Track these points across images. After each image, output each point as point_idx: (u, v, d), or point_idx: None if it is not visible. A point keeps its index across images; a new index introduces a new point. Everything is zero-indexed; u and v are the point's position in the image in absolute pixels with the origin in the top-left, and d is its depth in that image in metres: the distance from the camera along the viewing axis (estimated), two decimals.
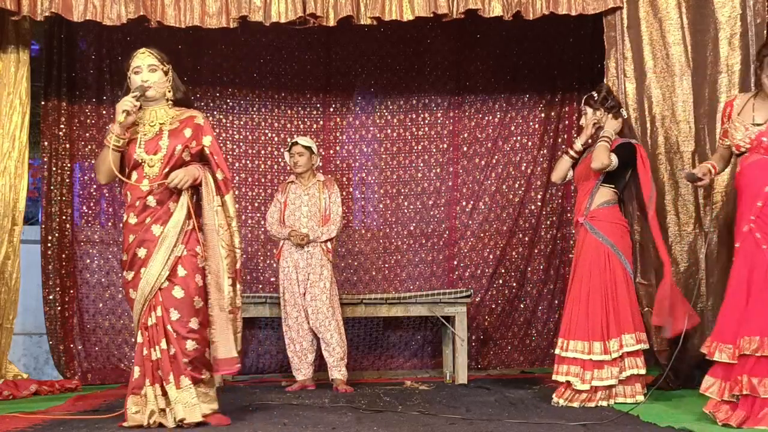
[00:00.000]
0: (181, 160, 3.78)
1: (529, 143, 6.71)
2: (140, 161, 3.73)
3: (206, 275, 3.78)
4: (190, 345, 3.66)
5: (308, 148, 5.52)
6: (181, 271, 3.70)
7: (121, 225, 6.15)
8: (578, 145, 4.70)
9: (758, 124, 3.73)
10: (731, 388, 3.54)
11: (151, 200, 3.72)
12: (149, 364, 3.65)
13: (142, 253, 3.69)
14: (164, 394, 3.65)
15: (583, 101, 4.69)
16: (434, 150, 6.79)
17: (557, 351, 4.43)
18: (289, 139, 6.09)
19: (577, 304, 4.42)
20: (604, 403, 4.28)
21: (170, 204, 3.74)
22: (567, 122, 6.70)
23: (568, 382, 4.34)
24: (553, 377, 4.42)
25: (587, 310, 4.37)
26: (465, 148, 6.78)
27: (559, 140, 6.69)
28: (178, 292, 3.68)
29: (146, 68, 3.77)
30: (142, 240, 3.69)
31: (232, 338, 3.79)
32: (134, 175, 3.74)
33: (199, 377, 3.70)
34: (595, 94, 4.60)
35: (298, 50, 6.72)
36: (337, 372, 5.37)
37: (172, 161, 3.74)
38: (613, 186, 4.51)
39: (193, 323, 3.68)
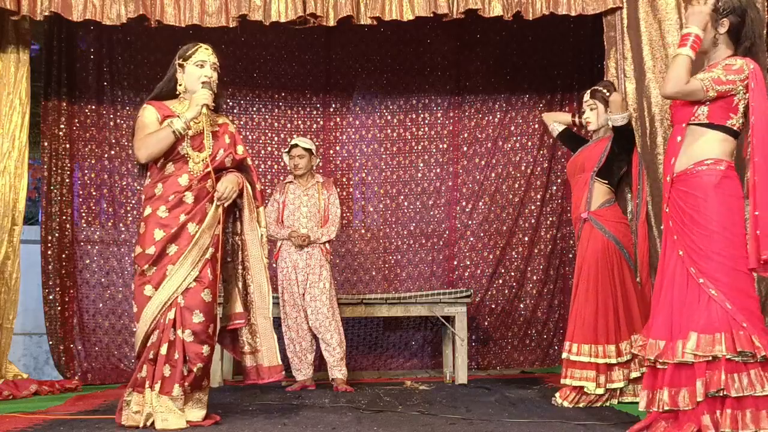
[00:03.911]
0: (223, 165, 3.78)
1: (529, 143, 6.71)
2: (186, 156, 3.69)
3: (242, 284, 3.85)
4: (206, 350, 3.64)
5: (308, 150, 5.52)
6: (210, 274, 3.66)
7: (121, 225, 6.27)
8: (578, 120, 4.79)
9: None
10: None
11: (189, 196, 3.67)
12: (152, 366, 3.62)
13: (172, 250, 3.63)
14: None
15: (589, 94, 4.60)
16: (434, 150, 6.79)
17: (565, 355, 4.37)
18: (289, 140, 6.09)
19: (584, 305, 4.36)
20: (608, 404, 4.28)
21: (206, 203, 3.70)
22: None
23: (580, 386, 4.29)
24: (564, 381, 4.36)
25: (596, 312, 4.32)
26: (465, 148, 6.78)
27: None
28: (207, 296, 3.64)
29: (210, 65, 3.76)
30: (175, 236, 3.62)
31: (276, 346, 3.85)
32: (171, 168, 3.69)
33: (201, 384, 3.69)
34: (605, 91, 4.52)
35: (298, 50, 6.73)
36: (338, 372, 5.37)
37: (215, 163, 3.73)
38: (606, 182, 4.51)
39: (210, 329, 3.67)
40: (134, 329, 3.73)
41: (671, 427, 3.15)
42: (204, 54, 3.77)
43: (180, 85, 3.79)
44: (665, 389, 3.14)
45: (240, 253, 3.88)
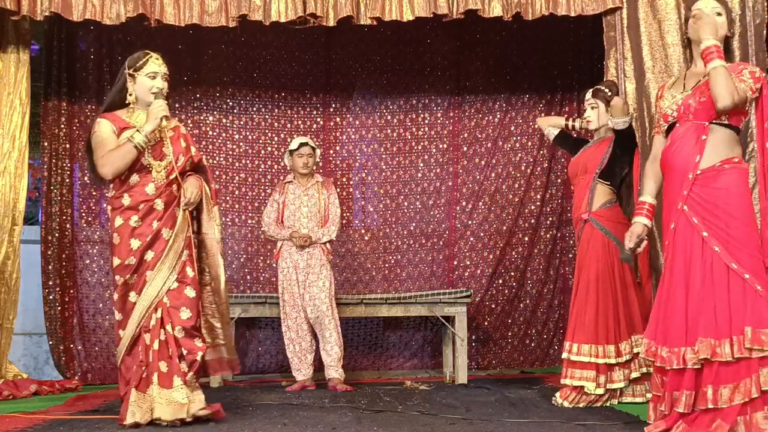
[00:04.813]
0: (184, 169, 3.83)
1: (529, 143, 6.71)
2: (149, 166, 3.73)
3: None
4: (199, 342, 3.71)
5: (314, 149, 5.55)
6: (190, 272, 3.75)
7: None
8: (577, 123, 4.80)
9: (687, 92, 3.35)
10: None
11: (159, 203, 3.72)
12: (143, 367, 3.67)
13: (149, 256, 3.69)
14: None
15: (591, 93, 4.61)
16: (434, 150, 6.79)
17: (566, 355, 4.36)
18: (289, 140, 6.09)
19: (584, 306, 4.36)
20: (608, 404, 4.27)
21: (175, 208, 3.77)
22: None
23: (580, 386, 4.29)
24: (564, 381, 4.35)
25: (596, 312, 4.32)
26: (465, 148, 6.78)
27: None
28: (190, 292, 3.72)
29: (161, 76, 3.77)
30: (151, 243, 3.69)
31: (232, 339, 3.99)
32: (136, 179, 3.73)
33: (199, 374, 3.74)
34: (607, 91, 4.52)
35: (298, 50, 6.73)
36: (335, 371, 5.36)
37: (177, 169, 3.78)
38: (609, 183, 4.51)
39: (198, 322, 3.75)
40: (121, 335, 3.73)
41: (692, 428, 3.14)
42: (155, 65, 3.77)
43: (130, 95, 3.78)
44: (709, 387, 3.12)
45: (198, 251, 3.92)
